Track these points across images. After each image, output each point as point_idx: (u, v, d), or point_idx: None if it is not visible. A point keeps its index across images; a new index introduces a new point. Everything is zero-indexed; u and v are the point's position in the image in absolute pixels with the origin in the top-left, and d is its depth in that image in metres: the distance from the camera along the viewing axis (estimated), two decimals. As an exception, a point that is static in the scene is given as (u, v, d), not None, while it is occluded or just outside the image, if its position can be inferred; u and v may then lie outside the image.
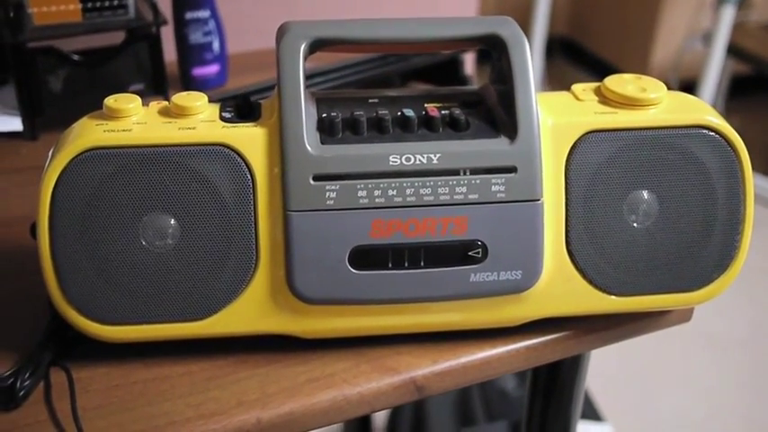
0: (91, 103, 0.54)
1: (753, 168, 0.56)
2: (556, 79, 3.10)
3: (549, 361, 0.59)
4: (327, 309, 0.54)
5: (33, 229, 0.52)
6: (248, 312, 0.53)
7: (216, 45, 0.98)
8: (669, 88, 0.57)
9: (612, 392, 1.69)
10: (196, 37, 0.97)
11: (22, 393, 0.52)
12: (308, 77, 0.54)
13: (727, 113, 2.74)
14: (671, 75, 2.74)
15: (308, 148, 0.52)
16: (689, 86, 2.50)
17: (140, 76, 0.90)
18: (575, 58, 3.31)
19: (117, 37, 0.90)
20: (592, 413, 1.31)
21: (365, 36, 0.55)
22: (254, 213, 0.52)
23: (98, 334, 0.53)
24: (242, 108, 0.55)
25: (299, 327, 0.55)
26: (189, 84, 0.98)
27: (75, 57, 0.86)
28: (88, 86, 0.88)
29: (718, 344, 1.89)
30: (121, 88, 0.89)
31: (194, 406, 0.51)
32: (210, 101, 0.55)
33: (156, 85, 0.91)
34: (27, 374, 0.52)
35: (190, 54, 0.97)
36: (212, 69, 0.99)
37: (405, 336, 0.56)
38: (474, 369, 0.56)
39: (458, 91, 0.59)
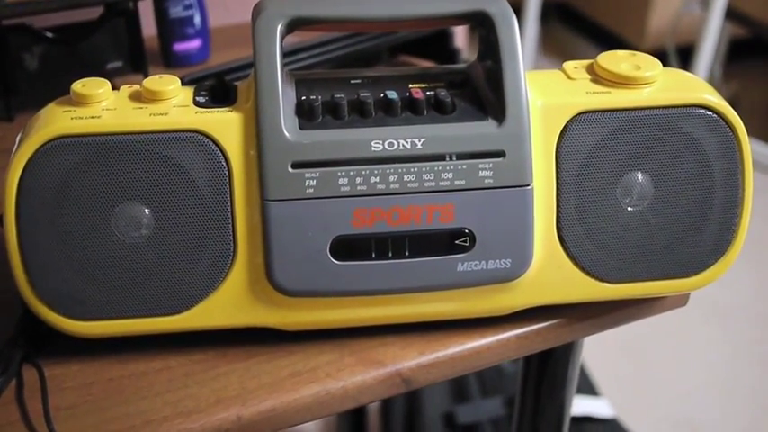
0: (68, 82, 0.51)
1: (750, 134, 0.54)
2: (551, 46, 3.05)
3: (541, 349, 0.58)
4: (309, 301, 0.52)
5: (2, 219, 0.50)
6: (227, 305, 0.51)
7: (197, 19, 0.95)
8: (666, 53, 0.55)
9: (608, 366, 1.68)
10: (176, 11, 0.93)
11: (-8, 393, 0.50)
12: (290, 54, 0.51)
13: (726, 78, 2.71)
14: (668, 39, 2.70)
15: (286, 134, 0.49)
16: (686, 51, 2.46)
17: (119, 54, 0.87)
18: (571, 24, 3.26)
19: (94, 13, 0.86)
20: (587, 387, 1.30)
21: (346, 14, 0.52)
22: (231, 203, 0.50)
23: (71, 330, 0.51)
24: (217, 91, 0.52)
25: (279, 319, 0.53)
26: (170, 60, 0.95)
27: (50, 34, 0.83)
28: (65, 65, 0.85)
29: (716, 315, 1.88)
30: (99, 66, 0.86)
31: (172, 403, 0.50)
32: (184, 82, 0.53)
33: (134, 63, 0.88)
34: (-3, 373, 0.50)
35: (170, 29, 0.94)
36: (194, 44, 0.96)
37: (390, 326, 0.54)
38: (463, 360, 0.54)
39: (443, 70, 0.57)
